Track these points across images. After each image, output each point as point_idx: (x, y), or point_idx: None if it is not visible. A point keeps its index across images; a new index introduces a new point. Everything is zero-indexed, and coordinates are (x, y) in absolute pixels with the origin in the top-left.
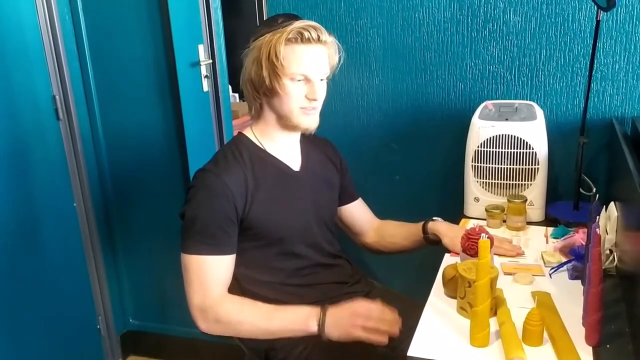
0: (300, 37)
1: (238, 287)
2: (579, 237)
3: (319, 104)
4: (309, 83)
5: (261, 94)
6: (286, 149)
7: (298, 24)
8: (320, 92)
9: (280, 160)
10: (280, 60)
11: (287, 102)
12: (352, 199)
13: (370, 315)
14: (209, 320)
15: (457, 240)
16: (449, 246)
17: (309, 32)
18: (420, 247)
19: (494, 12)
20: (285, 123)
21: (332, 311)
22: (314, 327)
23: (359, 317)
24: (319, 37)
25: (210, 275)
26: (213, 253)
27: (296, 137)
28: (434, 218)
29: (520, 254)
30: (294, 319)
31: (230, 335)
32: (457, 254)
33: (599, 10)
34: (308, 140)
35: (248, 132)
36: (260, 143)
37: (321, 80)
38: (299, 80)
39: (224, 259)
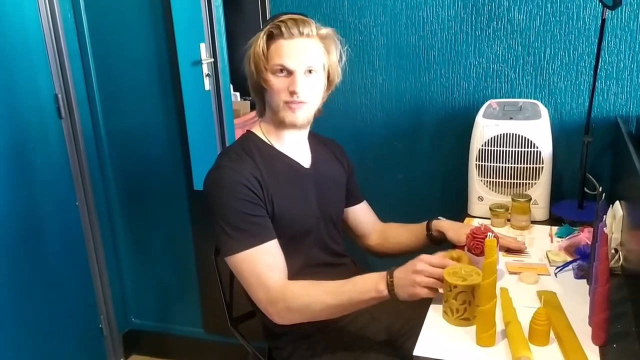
0: (279, 31)
1: None
2: (583, 236)
3: (304, 98)
4: (291, 76)
5: (256, 90)
6: (295, 146)
7: (280, 18)
8: (301, 84)
9: (290, 157)
10: (264, 53)
11: (272, 96)
12: (356, 201)
13: (423, 271)
14: (280, 310)
15: (461, 232)
16: (453, 239)
17: (287, 24)
18: (424, 246)
19: (498, 10)
20: (276, 118)
21: (397, 272)
22: (385, 291)
23: (416, 275)
24: (299, 31)
25: (262, 266)
26: (255, 244)
27: (301, 135)
28: (438, 217)
29: (522, 249)
30: (363, 289)
31: (307, 320)
32: (463, 247)
33: (605, 8)
34: (316, 140)
35: (256, 130)
36: (269, 140)
37: (306, 73)
38: (281, 73)
39: (267, 245)
